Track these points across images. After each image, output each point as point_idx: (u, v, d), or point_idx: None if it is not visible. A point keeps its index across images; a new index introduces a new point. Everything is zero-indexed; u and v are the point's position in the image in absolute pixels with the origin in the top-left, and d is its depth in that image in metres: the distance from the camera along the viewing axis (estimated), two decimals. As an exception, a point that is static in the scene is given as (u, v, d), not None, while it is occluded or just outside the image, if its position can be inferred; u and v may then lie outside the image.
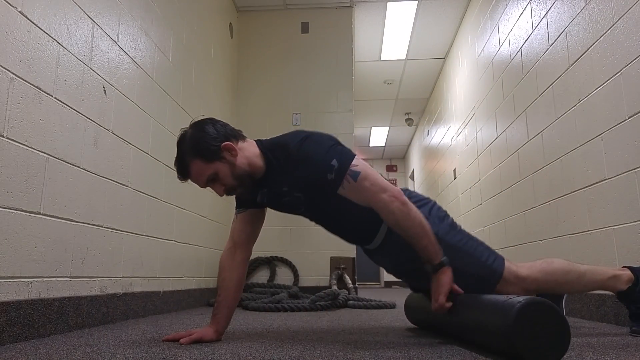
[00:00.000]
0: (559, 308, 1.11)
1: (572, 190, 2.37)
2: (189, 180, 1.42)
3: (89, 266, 1.88)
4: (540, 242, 2.79)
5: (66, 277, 1.74)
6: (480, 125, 3.99)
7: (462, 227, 1.56)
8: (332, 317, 2.44)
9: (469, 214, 4.43)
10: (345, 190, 1.37)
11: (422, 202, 1.54)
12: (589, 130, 2.19)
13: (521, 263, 1.53)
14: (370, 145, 8.76)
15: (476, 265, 1.45)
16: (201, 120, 1.44)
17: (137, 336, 1.59)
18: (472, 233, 1.61)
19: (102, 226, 1.99)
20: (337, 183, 1.36)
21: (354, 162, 1.37)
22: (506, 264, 1.48)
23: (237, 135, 1.44)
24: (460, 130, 4.75)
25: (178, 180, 1.43)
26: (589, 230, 2.22)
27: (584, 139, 2.23)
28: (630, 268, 1.59)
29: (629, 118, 1.89)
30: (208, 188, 1.44)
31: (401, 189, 1.49)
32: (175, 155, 1.42)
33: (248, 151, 1.43)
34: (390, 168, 9.76)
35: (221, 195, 1.44)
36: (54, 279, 1.67)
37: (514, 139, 3.17)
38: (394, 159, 9.76)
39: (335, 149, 1.39)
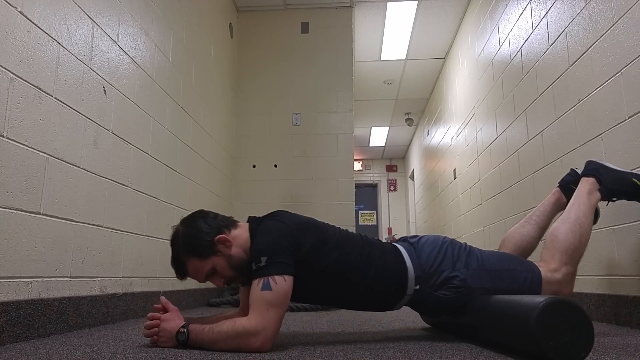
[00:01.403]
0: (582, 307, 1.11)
1: (572, 190, 2.37)
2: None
3: (89, 266, 1.88)
4: (540, 242, 2.79)
5: (66, 277, 1.74)
6: (480, 125, 3.99)
7: (486, 254, 1.53)
8: (332, 317, 2.44)
9: (469, 214, 4.43)
10: (252, 286, 1.28)
11: (440, 254, 1.46)
12: (589, 130, 2.19)
13: (545, 262, 1.51)
14: (370, 145, 8.76)
15: (514, 292, 1.41)
16: (191, 216, 1.41)
17: (137, 336, 1.59)
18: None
19: (102, 226, 1.99)
20: (253, 276, 1.28)
21: (279, 278, 1.25)
22: (543, 278, 1.47)
23: (229, 224, 1.41)
24: (460, 130, 4.75)
25: (177, 275, 1.40)
26: (589, 230, 2.22)
27: (584, 139, 2.23)
28: (583, 173, 1.66)
29: (629, 118, 1.89)
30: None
31: (408, 236, 1.54)
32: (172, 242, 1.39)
33: (241, 238, 1.38)
34: (390, 168, 9.76)
35: (222, 287, 1.43)
36: (54, 279, 1.67)
37: (514, 139, 3.17)
38: (394, 159, 9.76)
39: (276, 250, 1.28)
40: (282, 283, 1.25)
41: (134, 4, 2.33)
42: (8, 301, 1.43)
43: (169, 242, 1.39)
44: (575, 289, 2.36)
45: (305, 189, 4.16)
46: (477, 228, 4.14)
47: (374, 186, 9.88)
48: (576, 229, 1.52)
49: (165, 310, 1.34)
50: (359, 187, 7.96)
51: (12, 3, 1.48)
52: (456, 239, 1.57)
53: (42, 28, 1.62)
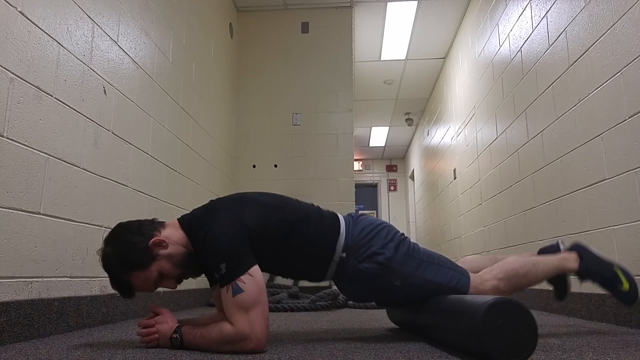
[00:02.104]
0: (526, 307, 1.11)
1: (572, 190, 2.37)
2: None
3: (89, 266, 1.88)
4: (540, 242, 2.79)
5: (66, 277, 1.75)
6: (480, 125, 3.99)
7: (423, 249, 1.54)
8: (332, 317, 2.44)
9: (469, 214, 4.43)
10: (222, 295, 1.26)
11: (373, 231, 1.48)
12: (589, 130, 2.19)
13: (482, 272, 1.54)
14: (370, 145, 8.76)
15: (437, 288, 1.46)
16: (114, 232, 1.34)
17: (137, 336, 1.59)
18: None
19: (102, 226, 1.99)
20: (220, 285, 1.25)
21: (245, 277, 1.22)
22: (471, 282, 1.49)
23: (157, 226, 1.35)
24: (460, 130, 4.75)
25: (123, 296, 1.34)
26: (589, 230, 2.22)
27: (584, 139, 2.23)
28: (567, 248, 1.67)
29: (629, 118, 1.89)
30: None
31: (353, 213, 1.54)
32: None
33: (175, 236, 1.34)
34: (390, 168, 9.76)
35: (175, 288, 1.38)
36: (54, 279, 1.67)
37: (514, 139, 3.17)
38: (394, 159, 9.76)
39: (229, 253, 1.24)
40: (250, 279, 1.23)
41: (134, 4, 2.33)
42: (8, 301, 1.43)
43: (104, 268, 1.30)
44: (575, 289, 2.36)
45: (305, 189, 4.16)
46: (477, 228, 4.14)
47: (374, 186, 9.88)
48: (528, 265, 1.55)
49: (156, 313, 1.34)
50: (359, 187, 7.97)
51: (12, 3, 1.48)
52: (405, 234, 1.58)
53: (42, 28, 1.62)
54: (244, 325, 1.20)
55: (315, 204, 1.56)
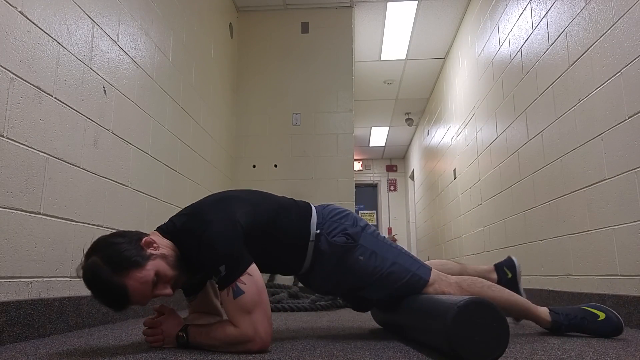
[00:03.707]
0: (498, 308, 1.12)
1: (572, 190, 2.37)
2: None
3: (89, 266, 1.88)
4: (540, 242, 2.79)
5: (66, 277, 1.74)
6: (480, 125, 3.99)
7: (385, 238, 1.61)
8: (332, 317, 2.44)
9: (469, 214, 4.43)
10: (221, 298, 1.25)
11: (342, 214, 1.54)
12: (589, 130, 2.19)
13: (449, 276, 1.57)
14: (370, 145, 8.76)
15: (398, 271, 1.49)
16: (95, 243, 1.22)
17: (137, 336, 1.59)
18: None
19: (102, 226, 1.99)
20: (220, 288, 1.24)
21: (244, 277, 1.21)
22: (432, 273, 1.52)
23: (139, 234, 1.27)
24: (460, 130, 4.75)
25: (115, 307, 1.21)
26: (589, 230, 2.22)
27: (584, 139, 2.23)
28: (551, 311, 1.62)
29: (629, 118, 1.89)
30: None
31: (321, 205, 1.58)
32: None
33: (162, 241, 1.29)
34: (390, 168, 9.76)
35: (172, 295, 1.27)
36: (54, 279, 1.67)
37: (514, 139, 3.17)
38: (394, 159, 9.76)
39: (228, 254, 1.22)
40: (250, 278, 1.22)
41: (134, 4, 2.32)
42: (8, 301, 1.43)
43: (89, 281, 1.18)
44: (576, 289, 2.36)
45: (305, 189, 4.16)
46: (477, 228, 4.14)
47: (374, 186, 9.88)
48: (496, 285, 1.57)
49: (161, 313, 1.34)
50: (359, 187, 7.96)
51: (12, 3, 1.48)
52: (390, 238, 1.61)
53: (42, 28, 1.62)
54: (247, 327, 1.20)
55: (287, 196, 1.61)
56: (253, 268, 1.25)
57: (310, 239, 1.46)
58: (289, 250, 1.47)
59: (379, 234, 1.57)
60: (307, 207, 1.55)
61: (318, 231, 1.47)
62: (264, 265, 1.45)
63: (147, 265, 1.19)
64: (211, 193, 3.51)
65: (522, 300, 1.59)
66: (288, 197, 1.59)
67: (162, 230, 1.35)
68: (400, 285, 1.48)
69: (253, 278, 1.23)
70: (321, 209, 1.56)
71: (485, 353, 1.08)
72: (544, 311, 1.60)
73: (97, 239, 1.24)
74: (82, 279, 1.19)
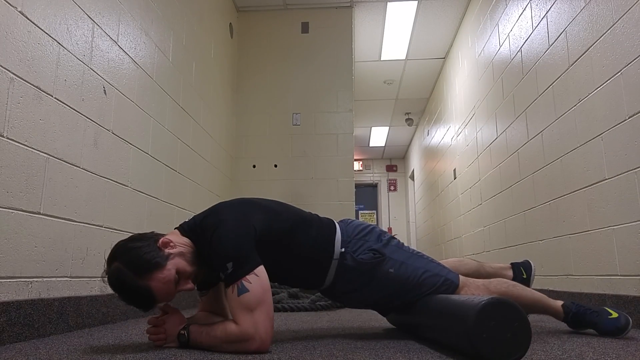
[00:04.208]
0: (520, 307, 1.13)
1: (572, 190, 2.37)
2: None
3: (89, 266, 1.88)
4: (540, 242, 2.79)
5: (66, 277, 1.74)
6: (480, 125, 3.99)
7: (414, 249, 1.64)
8: (332, 317, 2.44)
9: (469, 214, 4.43)
10: (226, 295, 1.27)
11: (365, 230, 1.56)
12: (589, 130, 2.19)
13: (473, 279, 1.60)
14: (370, 145, 8.76)
15: (430, 276, 1.51)
16: (115, 249, 1.27)
17: (137, 336, 1.59)
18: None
19: (102, 226, 1.99)
20: (226, 285, 1.25)
21: (251, 276, 1.23)
22: (460, 278, 1.56)
23: (156, 235, 1.31)
24: (460, 130, 4.75)
25: (143, 308, 1.26)
26: (589, 230, 2.22)
27: (584, 139, 2.23)
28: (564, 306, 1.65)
29: (629, 118, 1.89)
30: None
31: (344, 221, 1.58)
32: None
33: (179, 239, 1.33)
34: (390, 168, 9.76)
35: (193, 289, 1.33)
36: (54, 279, 1.67)
37: (514, 139, 3.17)
38: (394, 159, 9.76)
39: (237, 252, 1.25)
40: (256, 278, 1.23)
41: (134, 4, 2.32)
42: (8, 301, 1.43)
43: (115, 287, 1.23)
44: (576, 289, 2.36)
45: (305, 189, 4.16)
46: (477, 228, 4.14)
47: (374, 186, 9.88)
48: (518, 286, 1.60)
49: (165, 312, 1.34)
50: (359, 187, 7.96)
51: (12, 3, 1.48)
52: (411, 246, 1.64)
53: (42, 28, 1.62)
54: (248, 325, 1.20)
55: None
56: (260, 270, 1.26)
57: (334, 257, 1.47)
58: (308, 265, 1.47)
59: (403, 244, 1.60)
60: (330, 224, 1.54)
61: (343, 249, 1.48)
62: (277, 277, 1.48)
63: (167, 265, 1.24)
64: (211, 193, 3.52)
65: (540, 296, 1.63)
66: (313, 213, 1.59)
67: (183, 228, 1.38)
68: (433, 291, 1.50)
69: (259, 278, 1.24)
70: (344, 225, 1.56)
71: (507, 353, 1.07)
72: (558, 303, 1.65)
73: (116, 245, 1.28)
74: (107, 284, 1.25)
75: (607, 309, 1.60)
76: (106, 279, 1.24)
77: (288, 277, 1.52)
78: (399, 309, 1.64)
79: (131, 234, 1.36)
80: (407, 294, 1.51)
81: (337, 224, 1.56)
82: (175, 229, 1.40)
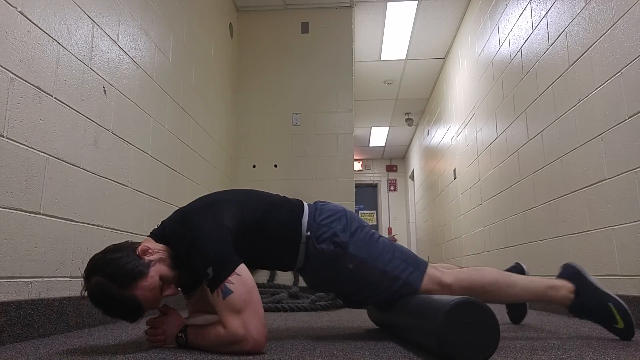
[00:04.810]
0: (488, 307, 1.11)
1: (572, 190, 2.37)
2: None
3: (89, 266, 1.88)
4: (540, 242, 2.79)
5: (66, 277, 1.74)
6: (480, 125, 3.99)
7: (384, 240, 1.54)
8: (332, 317, 2.44)
9: (469, 214, 4.43)
10: (213, 301, 1.25)
11: (334, 216, 1.51)
12: (589, 130, 2.19)
13: (449, 269, 1.53)
14: (370, 145, 8.76)
15: (388, 279, 1.46)
16: (92, 262, 1.24)
17: (137, 336, 1.59)
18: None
19: (102, 226, 1.99)
20: (210, 290, 1.24)
21: (233, 277, 1.21)
22: (428, 271, 1.49)
23: (132, 244, 1.30)
24: (460, 130, 4.75)
25: (131, 319, 1.27)
26: (589, 230, 2.22)
27: (584, 139, 2.23)
28: (562, 276, 1.55)
29: (629, 118, 1.89)
30: None
31: (316, 203, 1.56)
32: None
33: (155, 245, 1.32)
34: (390, 168, 9.76)
35: (177, 293, 1.35)
36: (54, 279, 1.67)
37: (514, 139, 3.17)
38: (394, 159, 9.76)
39: (215, 256, 1.23)
40: (238, 278, 1.22)
41: (134, 4, 2.32)
42: (8, 301, 1.43)
43: (98, 302, 1.22)
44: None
45: (305, 189, 4.16)
46: (477, 228, 4.14)
47: (374, 186, 9.88)
48: (501, 284, 1.50)
49: (164, 312, 1.34)
50: (359, 187, 7.96)
51: (12, 3, 1.48)
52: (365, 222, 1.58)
53: (42, 28, 1.62)
54: (237, 327, 1.19)
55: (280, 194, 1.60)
56: (242, 268, 1.24)
57: (302, 241, 1.47)
58: (281, 246, 1.48)
59: (373, 234, 1.53)
60: (298, 205, 1.54)
61: (308, 233, 1.47)
62: (256, 260, 1.48)
63: (150, 272, 1.24)
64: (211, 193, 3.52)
65: (533, 293, 1.51)
66: (281, 195, 1.59)
67: (155, 235, 1.38)
68: (391, 292, 1.47)
69: (241, 278, 1.23)
70: (314, 208, 1.54)
71: (476, 353, 1.07)
72: (565, 297, 1.50)
73: (92, 259, 1.25)
74: (89, 300, 1.22)
75: (612, 310, 1.44)
76: (86, 294, 1.21)
77: (265, 259, 1.52)
78: (360, 304, 1.64)
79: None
80: (362, 291, 1.50)
81: (306, 205, 1.54)
82: (147, 236, 1.39)
